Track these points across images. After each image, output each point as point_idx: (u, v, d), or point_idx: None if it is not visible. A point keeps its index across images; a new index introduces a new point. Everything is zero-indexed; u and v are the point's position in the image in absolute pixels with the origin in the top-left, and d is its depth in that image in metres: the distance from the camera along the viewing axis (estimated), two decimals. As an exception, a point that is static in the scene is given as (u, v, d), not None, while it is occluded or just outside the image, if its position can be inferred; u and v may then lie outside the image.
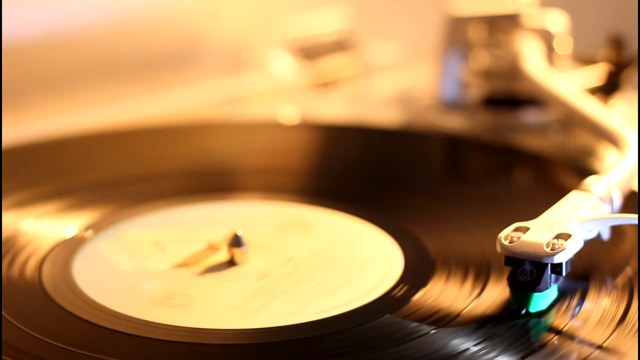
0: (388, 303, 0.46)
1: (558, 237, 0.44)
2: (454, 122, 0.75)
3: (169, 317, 0.45)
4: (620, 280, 0.47)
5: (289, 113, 0.81)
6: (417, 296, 0.46)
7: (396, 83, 0.88)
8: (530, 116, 0.74)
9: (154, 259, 0.51)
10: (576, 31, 0.78)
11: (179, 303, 0.46)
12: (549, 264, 0.43)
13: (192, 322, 0.44)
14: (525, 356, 0.41)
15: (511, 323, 0.43)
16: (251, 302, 0.46)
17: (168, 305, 0.46)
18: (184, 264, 0.50)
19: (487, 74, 0.75)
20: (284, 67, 0.88)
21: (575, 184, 0.50)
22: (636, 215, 0.45)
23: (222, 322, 0.44)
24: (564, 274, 0.44)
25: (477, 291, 0.46)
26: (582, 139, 0.70)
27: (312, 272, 0.49)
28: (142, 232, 0.54)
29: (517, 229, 0.45)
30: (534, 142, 0.70)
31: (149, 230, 0.54)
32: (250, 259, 0.50)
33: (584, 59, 0.78)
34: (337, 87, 0.88)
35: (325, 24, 0.93)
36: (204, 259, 0.50)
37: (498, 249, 0.45)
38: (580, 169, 0.62)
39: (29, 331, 0.43)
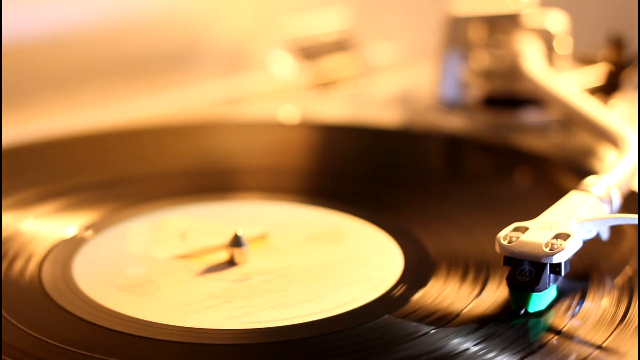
0: (388, 303, 0.46)
1: (557, 237, 0.44)
2: (454, 122, 0.75)
3: (169, 317, 0.45)
4: (619, 280, 0.47)
5: (289, 113, 0.81)
6: (416, 296, 0.46)
7: (396, 83, 0.88)
8: (530, 116, 0.74)
9: (153, 259, 0.51)
10: (576, 31, 0.78)
11: (179, 302, 0.46)
12: (548, 264, 0.43)
13: (192, 322, 0.44)
14: (525, 356, 0.41)
15: (511, 323, 0.43)
16: (251, 301, 0.46)
17: (168, 304, 0.46)
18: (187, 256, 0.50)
19: (487, 74, 0.75)
20: (284, 67, 0.88)
21: (575, 184, 0.50)
22: (635, 215, 0.45)
23: (222, 322, 0.44)
24: (562, 274, 0.44)
25: (476, 291, 0.46)
26: (582, 139, 0.70)
27: (312, 272, 0.49)
28: (142, 232, 0.54)
29: (516, 229, 0.45)
30: (534, 142, 0.70)
31: (148, 230, 0.54)
32: (251, 258, 0.50)
33: (584, 59, 0.78)
34: (337, 87, 0.88)
35: (325, 24, 0.93)
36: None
37: (497, 248, 0.45)
38: (579, 169, 0.62)
39: (29, 331, 0.43)
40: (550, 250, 0.43)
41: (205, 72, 0.90)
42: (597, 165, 0.66)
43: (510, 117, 0.74)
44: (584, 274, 0.47)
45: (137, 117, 0.78)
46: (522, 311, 0.44)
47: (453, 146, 0.71)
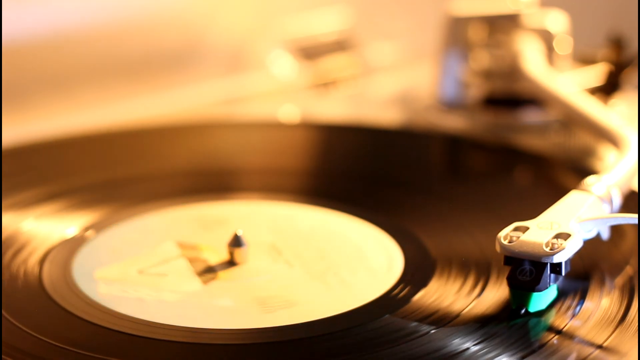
0: (388, 303, 0.46)
1: (557, 236, 0.44)
2: (454, 122, 0.75)
3: (169, 317, 0.45)
4: (620, 279, 0.47)
5: (289, 113, 0.81)
6: (417, 296, 0.46)
7: (396, 83, 0.88)
8: (530, 116, 0.74)
9: (153, 259, 0.51)
10: (576, 31, 0.78)
11: (179, 303, 0.46)
12: (548, 264, 0.43)
13: (192, 322, 0.44)
14: (525, 356, 0.41)
15: (511, 323, 0.43)
16: (251, 302, 0.46)
17: (168, 304, 0.46)
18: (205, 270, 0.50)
19: (487, 74, 0.75)
20: (284, 67, 0.88)
21: (575, 184, 0.50)
22: (636, 215, 0.45)
23: (221, 322, 0.44)
24: (563, 273, 0.44)
25: (477, 291, 0.46)
26: (582, 139, 0.70)
27: (311, 272, 0.49)
28: (142, 231, 0.54)
29: (516, 229, 0.45)
30: (534, 142, 0.70)
31: (148, 230, 0.54)
32: (250, 259, 0.50)
33: (584, 59, 0.78)
34: (337, 87, 0.88)
35: (325, 24, 0.93)
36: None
37: (497, 248, 0.45)
38: (580, 169, 0.62)
39: (29, 331, 0.43)
40: (551, 249, 0.43)
41: (205, 72, 0.90)
42: (597, 165, 0.66)
43: (510, 117, 0.74)
44: (584, 273, 0.47)
45: (137, 117, 0.78)
46: (523, 311, 0.44)
47: (453, 146, 0.71)
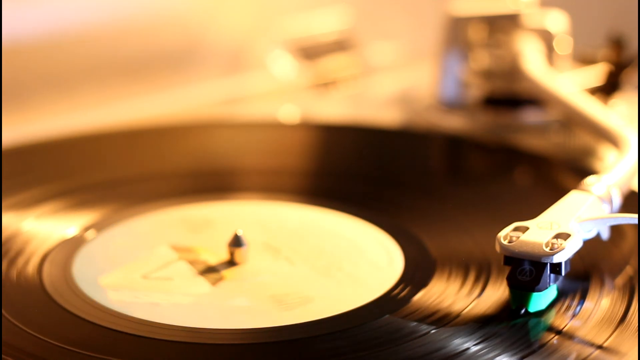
0: (388, 303, 0.46)
1: (557, 236, 0.44)
2: (454, 122, 0.75)
3: (169, 317, 0.45)
4: (620, 279, 0.47)
5: (289, 113, 0.81)
6: (417, 296, 0.46)
7: (396, 83, 0.88)
8: (530, 116, 0.74)
9: (153, 259, 0.51)
10: (576, 31, 0.78)
11: (179, 302, 0.46)
12: (548, 264, 0.43)
13: (192, 322, 0.44)
14: (525, 356, 0.41)
15: (511, 323, 0.43)
16: (251, 302, 0.46)
17: (168, 304, 0.46)
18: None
19: (487, 74, 0.75)
20: (284, 67, 0.88)
21: (575, 184, 0.50)
22: (635, 215, 0.45)
23: (221, 322, 0.44)
24: (563, 273, 0.44)
25: (477, 291, 0.46)
26: (582, 139, 0.70)
27: (311, 272, 0.49)
28: (142, 231, 0.54)
29: (516, 229, 0.45)
30: (534, 142, 0.70)
31: (148, 230, 0.54)
32: (250, 258, 0.50)
33: (584, 59, 0.78)
34: (337, 87, 0.88)
35: (325, 24, 0.93)
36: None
37: (497, 248, 0.45)
38: (580, 169, 0.62)
39: (29, 331, 0.43)
40: (551, 250, 0.43)
41: (205, 72, 0.90)
42: (597, 165, 0.66)
43: (510, 117, 0.74)
44: (584, 273, 0.47)
45: (137, 117, 0.78)
46: (523, 311, 0.44)
47: (453, 146, 0.71)
